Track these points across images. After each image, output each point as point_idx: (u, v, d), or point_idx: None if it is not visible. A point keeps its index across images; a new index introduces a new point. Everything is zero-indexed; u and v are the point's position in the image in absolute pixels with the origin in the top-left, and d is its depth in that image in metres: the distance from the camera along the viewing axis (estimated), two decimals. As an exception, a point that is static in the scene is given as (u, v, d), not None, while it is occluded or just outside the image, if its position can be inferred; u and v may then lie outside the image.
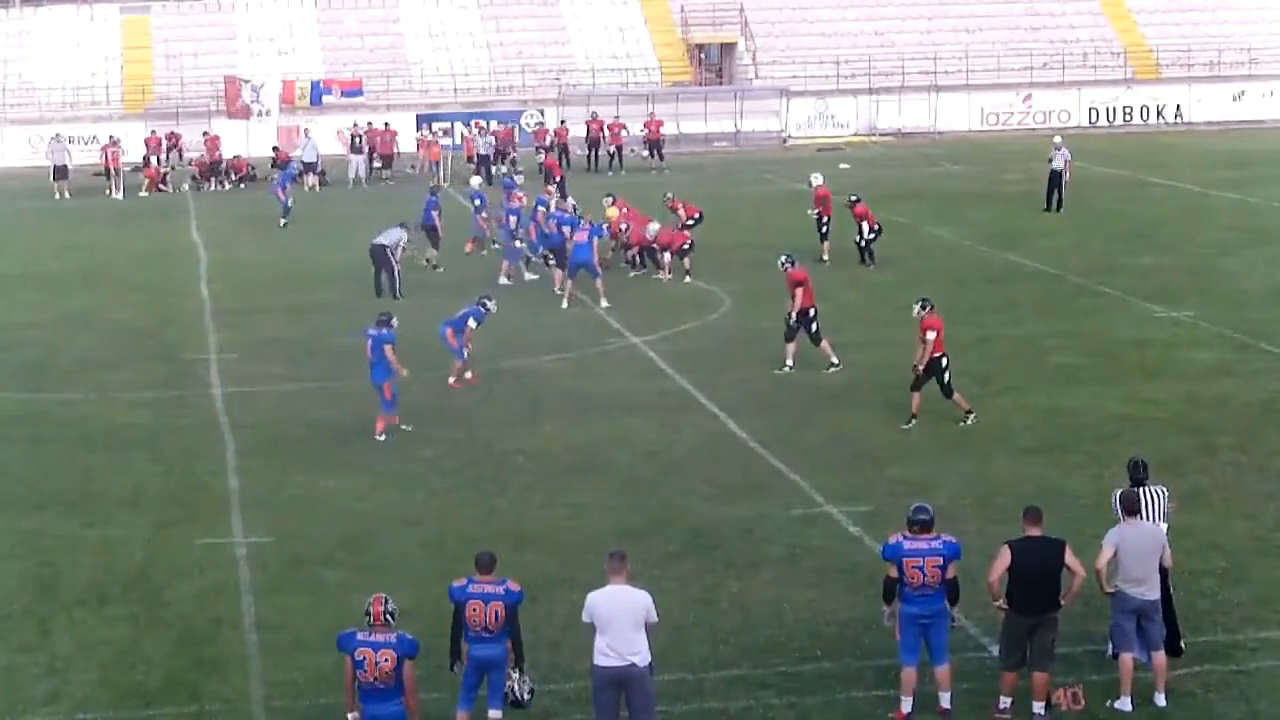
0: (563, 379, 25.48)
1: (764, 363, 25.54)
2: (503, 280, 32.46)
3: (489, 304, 24.95)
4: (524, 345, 27.26)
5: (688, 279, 32.62)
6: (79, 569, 17.58)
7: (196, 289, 33.91)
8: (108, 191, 49.16)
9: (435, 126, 55.55)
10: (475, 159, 50.39)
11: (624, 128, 52.95)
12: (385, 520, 18.93)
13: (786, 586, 16.56)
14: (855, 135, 61.23)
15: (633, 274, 33.51)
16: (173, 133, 54.70)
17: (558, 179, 42.90)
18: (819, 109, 61.68)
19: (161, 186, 50.20)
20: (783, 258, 25.84)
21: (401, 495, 19.81)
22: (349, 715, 12.18)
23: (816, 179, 35.92)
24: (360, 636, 12.07)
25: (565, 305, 30.35)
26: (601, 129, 52.86)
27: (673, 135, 55.62)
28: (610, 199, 34.71)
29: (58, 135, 52.09)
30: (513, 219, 32.97)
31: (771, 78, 62.17)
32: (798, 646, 15.12)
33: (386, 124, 53.04)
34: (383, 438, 22.02)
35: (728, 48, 65.17)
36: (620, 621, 12.63)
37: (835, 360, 25.15)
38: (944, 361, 22.00)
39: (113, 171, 49.32)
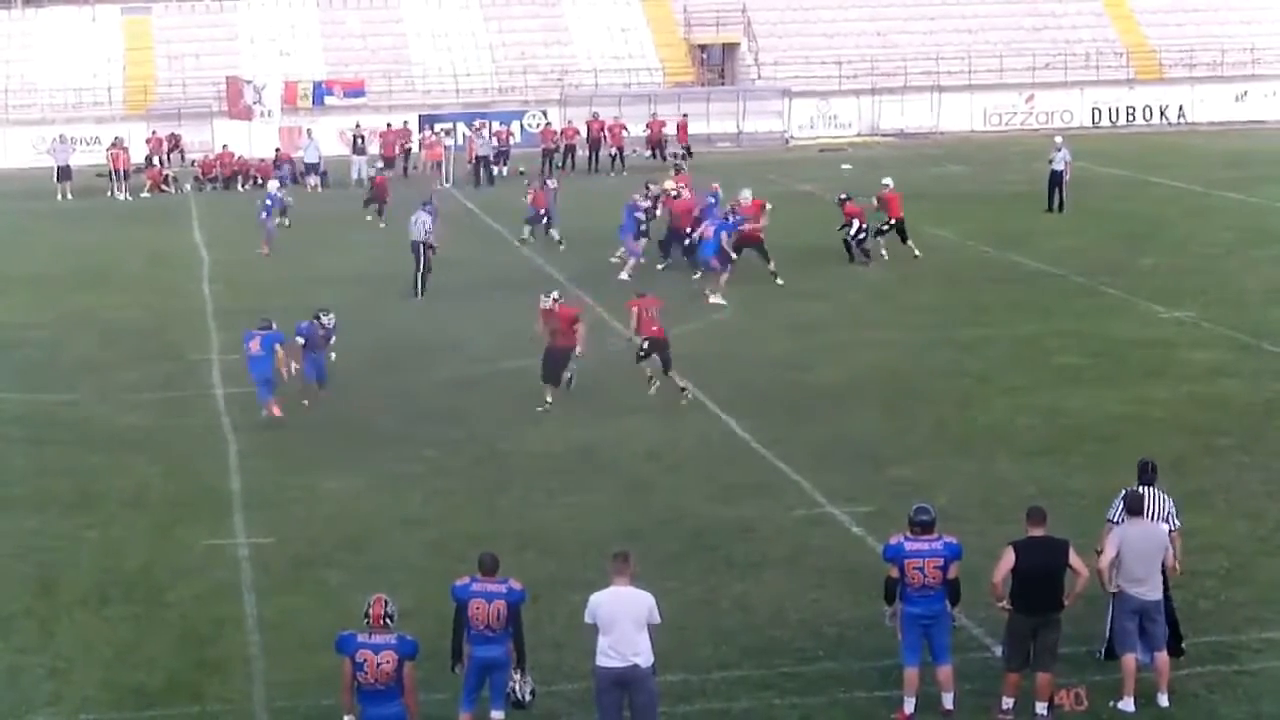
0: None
1: (766, 363, 25.51)
2: (624, 276, 32.52)
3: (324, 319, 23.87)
4: (525, 345, 27.18)
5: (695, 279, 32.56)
6: (81, 570, 17.57)
7: (199, 289, 33.90)
8: (110, 193, 49.12)
9: (438, 127, 55.56)
10: (475, 160, 50.37)
11: (624, 128, 52.86)
12: (387, 521, 18.93)
13: (789, 587, 16.55)
14: (858, 136, 61.20)
15: (660, 266, 33.41)
16: (173, 134, 54.69)
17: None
18: (821, 109, 61.64)
19: (164, 187, 50.18)
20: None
21: (403, 495, 19.81)
22: (345, 718, 12.17)
23: (887, 182, 34.99)
24: (360, 638, 12.06)
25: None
26: (603, 129, 52.81)
27: (674, 136, 55.51)
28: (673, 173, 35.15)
29: (61, 136, 52.08)
30: (639, 215, 33.25)
31: (774, 78, 62.16)
32: (800, 647, 15.11)
33: (389, 125, 53.07)
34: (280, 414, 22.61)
35: (730, 48, 65.13)
36: (623, 622, 12.61)
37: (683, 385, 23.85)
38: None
39: (119, 173, 49.25)
